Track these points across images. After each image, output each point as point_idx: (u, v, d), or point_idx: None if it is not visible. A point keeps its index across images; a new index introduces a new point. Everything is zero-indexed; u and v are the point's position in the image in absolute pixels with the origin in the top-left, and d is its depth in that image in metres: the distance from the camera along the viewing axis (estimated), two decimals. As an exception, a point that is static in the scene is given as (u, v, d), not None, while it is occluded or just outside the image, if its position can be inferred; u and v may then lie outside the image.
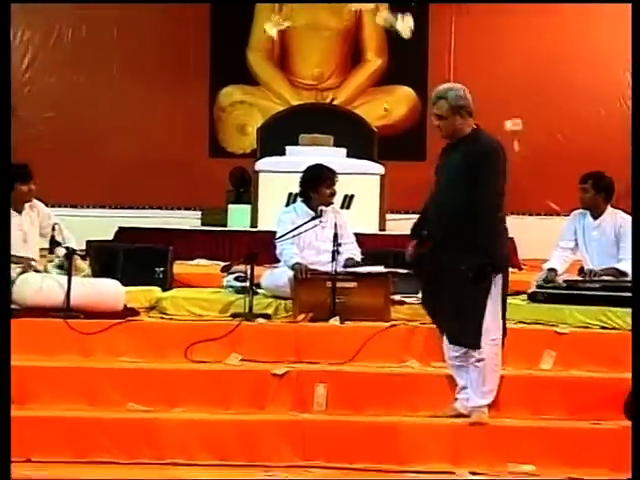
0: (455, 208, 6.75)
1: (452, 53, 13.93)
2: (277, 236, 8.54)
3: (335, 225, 8.45)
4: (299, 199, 8.81)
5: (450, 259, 6.71)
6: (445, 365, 7.47)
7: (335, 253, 8.24)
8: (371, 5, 13.33)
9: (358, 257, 8.61)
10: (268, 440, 6.90)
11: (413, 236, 7.19)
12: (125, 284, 8.44)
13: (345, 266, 8.33)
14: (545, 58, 13.75)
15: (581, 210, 8.93)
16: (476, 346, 6.73)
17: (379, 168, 11.69)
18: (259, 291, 8.50)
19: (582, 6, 13.64)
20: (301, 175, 8.79)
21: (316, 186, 8.62)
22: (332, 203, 8.72)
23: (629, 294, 8.09)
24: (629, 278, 8.32)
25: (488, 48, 13.80)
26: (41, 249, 8.71)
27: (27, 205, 8.58)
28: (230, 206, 11.97)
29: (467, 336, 6.74)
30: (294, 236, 8.44)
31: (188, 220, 12.63)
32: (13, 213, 8.51)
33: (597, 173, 8.90)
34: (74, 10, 13.78)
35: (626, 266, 8.34)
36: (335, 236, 8.32)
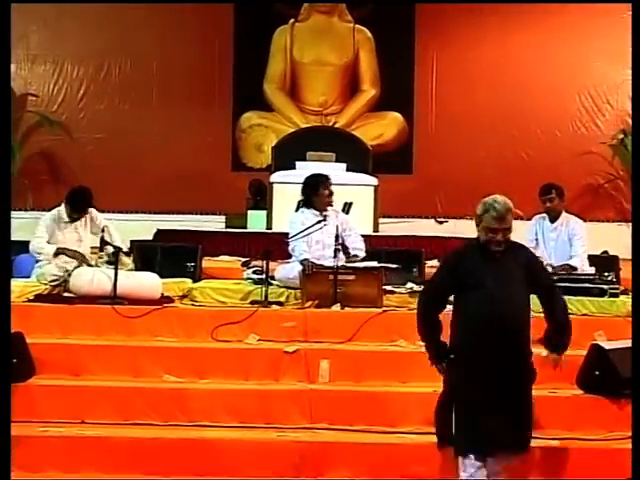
0: (523, 315, 5.69)
1: (434, 84, 13.89)
2: (290, 235, 8.54)
3: (337, 227, 8.44)
4: (303, 205, 8.82)
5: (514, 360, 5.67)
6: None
7: (337, 251, 8.23)
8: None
9: (362, 252, 8.60)
10: (281, 406, 6.90)
11: (440, 357, 5.83)
12: (162, 276, 8.43)
13: (348, 261, 8.31)
14: (511, 89, 13.69)
15: (541, 215, 8.93)
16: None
17: (373, 180, 11.66)
18: (273, 282, 8.48)
19: (541, 40, 13.59)
20: (302, 185, 8.80)
21: (316, 189, 8.65)
22: (332, 203, 8.69)
23: (580, 285, 8.14)
24: (579, 272, 8.40)
25: (464, 79, 13.73)
26: (93, 247, 8.71)
27: (81, 210, 8.63)
28: (249, 212, 11.94)
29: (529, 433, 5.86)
30: (304, 236, 8.44)
31: (214, 223, 12.60)
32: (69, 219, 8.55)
33: (555, 184, 8.91)
34: (120, 47, 13.77)
35: (576, 261, 8.58)
36: (337, 237, 8.32)
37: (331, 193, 8.67)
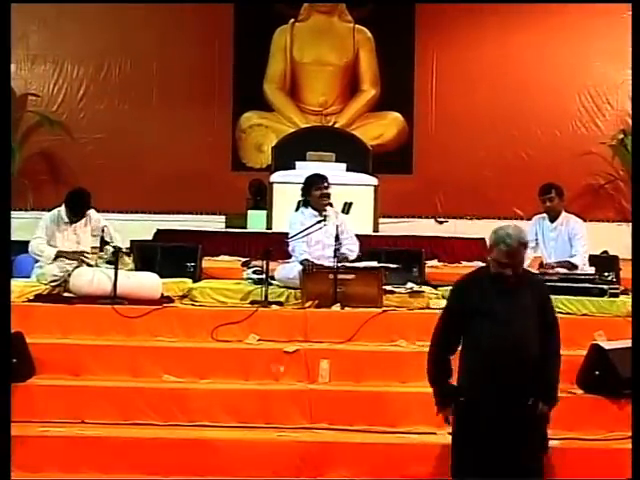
0: (535, 351, 5.28)
1: (434, 84, 13.89)
2: (289, 236, 8.54)
3: (337, 227, 8.44)
4: (302, 205, 8.83)
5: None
6: (428, 343, 7.46)
7: (337, 251, 8.23)
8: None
9: (353, 254, 8.58)
10: (281, 406, 6.90)
11: (445, 404, 5.44)
12: (162, 276, 8.42)
13: (339, 260, 8.29)
14: (511, 89, 13.71)
15: (541, 215, 8.93)
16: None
17: (373, 180, 11.65)
18: (273, 282, 8.46)
19: (541, 40, 13.61)
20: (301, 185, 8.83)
21: (309, 190, 8.67)
22: (325, 203, 8.67)
23: (580, 285, 8.14)
24: (579, 270, 8.41)
25: (464, 79, 13.75)
26: (93, 247, 8.70)
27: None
28: (249, 212, 11.94)
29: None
30: (303, 236, 8.43)
31: (214, 223, 12.60)
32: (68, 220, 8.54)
33: (554, 183, 8.91)
34: (121, 47, 13.77)
35: (577, 260, 8.58)
36: (337, 237, 8.32)
37: (325, 194, 8.64)
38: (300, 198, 8.92)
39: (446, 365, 5.41)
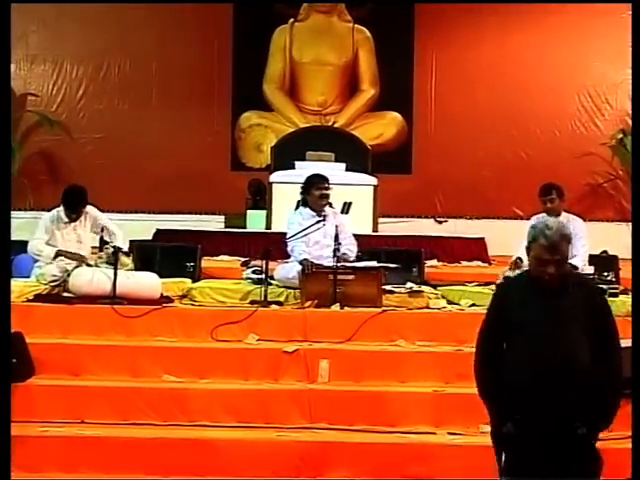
0: (585, 367, 4.58)
1: (433, 84, 13.89)
2: (288, 236, 8.54)
3: (336, 227, 8.44)
4: (301, 205, 8.84)
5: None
6: (428, 343, 7.49)
7: (336, 250, 8.23)
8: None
9: (352, 254, 8.58)
10: (280, 406, 6.91)
11: (502, 421, 4.66)
12: (161, 276, 8.43)
13: (338, 261, 8.29)
14: (510, 89, 13.70)
15: (541, 214, 8.92)
16: None
17: (372, 180, 11.65)
18: (272, 282, 8.47)
19: (540, 40, 13.59)
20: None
21: (308, 190, 8.68)
22: (324, 204, 8.66)
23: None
24: (579, 271, 8.39)
25: (464, 79, 13.74)
26: (93, 247, 8.70)
27: (80, 210, 8.62)
28: (248, 211, 11.94)
29: None
30: (302, 236, 8.44)
31: (214, 223, 12.60)
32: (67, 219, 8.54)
33: (555, 184, 8.90)
34: (120, 47, 13.78)
35: (577, 261, 8.49)
36: (336, 236, 8.32)
37: (325, 195, 8.64)
38: (299, 198, 8.92)
39: (493, 378, 4.69)
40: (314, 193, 8.62)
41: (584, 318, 4.63)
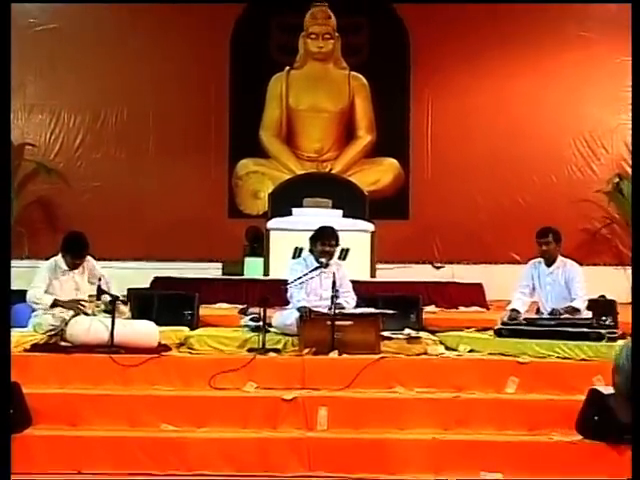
0: None
1: (429, 131, 13.99)
2: (289, 282, 8.55)
3: (334, 274, 8.45)
4: (309, 251, 8.86)
5: None
6: (426, 390, 7.47)
7: (334, 298, 8.25)
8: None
9: (349, 306, 8.58)
10: (279, 454, 6.87)
11: None
12: (159, 324, 8.41)
13: (335, 308, 8.28)
14: (507, 134, 13.82)
15: (537, 259, 8.95)
16: None
17: (370, 226, 11.70)
18: (271, 329, 8.45)
19: (536, 85, 13.75)
20: None
21: (314, 242, 8.70)
22: (325, 257, 8.66)
23: (578, 329, 8.13)
24: (582, 315, 8.39)
25: (460, 125, 13.86)
26: (90, 296, 8.70)
27: (78, 259, 8.64)
28: (246, 259, 11.97)
29: None
30: (302, 282, 8.46)
31: (211, 271, 12.61)
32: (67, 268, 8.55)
33: (552, 227, 8.92)
34: (117, 96, 13.88)
35: (578, 303, 8.55)
36: (334, 283, 8.33)
37: (326, 252, 8.64)
38: (301, 246, 8.92)
39: None
40: (318, 247, 8.66)
41: None
